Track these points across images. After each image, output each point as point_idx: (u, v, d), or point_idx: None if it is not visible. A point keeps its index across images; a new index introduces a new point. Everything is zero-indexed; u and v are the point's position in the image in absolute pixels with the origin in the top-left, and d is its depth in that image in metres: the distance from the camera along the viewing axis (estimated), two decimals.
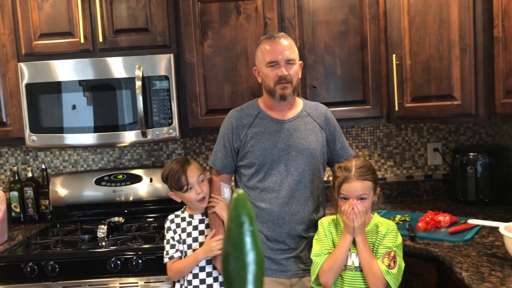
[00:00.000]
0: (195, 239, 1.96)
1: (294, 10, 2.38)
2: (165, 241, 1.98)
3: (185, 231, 1.98)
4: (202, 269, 1.94)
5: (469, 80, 2.08)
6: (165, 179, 1.96)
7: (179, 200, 1.98)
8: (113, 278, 2.12)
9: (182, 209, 2.04)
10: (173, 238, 1.96)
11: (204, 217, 2.00)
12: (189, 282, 1.94)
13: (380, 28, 2.38)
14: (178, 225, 1.99)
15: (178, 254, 1.95)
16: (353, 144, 2.79)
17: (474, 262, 1.66)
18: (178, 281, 1.98)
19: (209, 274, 1.95)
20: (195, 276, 1.94)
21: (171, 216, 2.03)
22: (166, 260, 1.95)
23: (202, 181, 1.95)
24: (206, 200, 1.95)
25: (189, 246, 1.96)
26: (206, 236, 1.95)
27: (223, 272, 0.51)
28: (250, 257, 0.49)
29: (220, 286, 1.95)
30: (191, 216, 1.99)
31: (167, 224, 2.00)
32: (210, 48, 2.40)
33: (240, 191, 0.52)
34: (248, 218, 0.50)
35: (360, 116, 2.43)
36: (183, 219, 2.00)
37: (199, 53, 2.40)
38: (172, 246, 1.95)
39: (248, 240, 0.49)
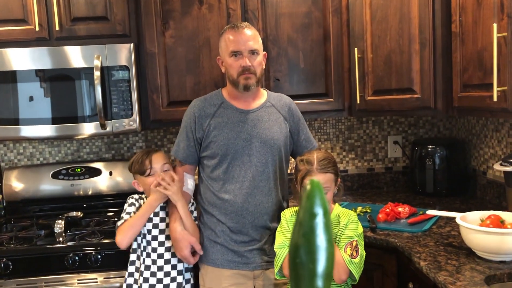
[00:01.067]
0: (155, 225, 1.96)
1: (257, 2, 2.36)
2: (124, 213, 1.96)
3: (151, 222, 1.96)
4: (167, 261, 1.93)
5: (428, 74, 2.12)
6: (130, 166, 1.99)
7: (141, 189, 1.99)
8: (71, 274, 2.06)
9: (144, 196, 2.02)
10: (135, 212, 1.96)
11: (165, 205, 1.99)
12: (153, 274, 1.91)
13: (342, 21, 2.40)
14: (139, 207, 1.98)
15: None
16: (316, 136, 2.81)
17: (432, 252, 1.70)
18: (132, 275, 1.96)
19: (166, 274, 1.94)
20: (160, 268, 1.92)
21: (136, 196, 2.03)
22: (119, 223, 1.92)
23: (166, 170, 1.95)
24: (167, 182, 1.91)
25: (149, 231, 1.95)
26: (166, 223, 1.96)
27: (290, 263, 0.48)
28: (322, 250, 0.47)
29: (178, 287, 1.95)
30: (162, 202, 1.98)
31: (132, 200, 2.00)
32: (172, 38, 2.35)
33: (315, 180, 0.49)
34: (322, 209, 0.47)
35: (323, 109, 2.45)
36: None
37: (161, 43, 2.35)
38: (129, 214, 1.95)
39: (320, 232, 0.47)
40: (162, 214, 1.98)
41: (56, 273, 2.05)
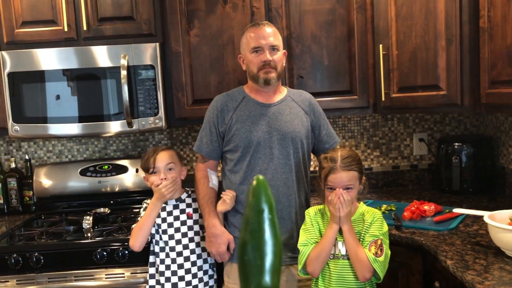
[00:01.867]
0: (170, 225, 2.00)
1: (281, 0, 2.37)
2: (139, 217, 2.02)
3: (160, 216, 2.01)
4: (179, 254, 1.96)
5: (455, 71, 2.09)
6: (141, 160, 2.06)
7: (149, 184, 2.03)
8: (99, 269, 2.10)
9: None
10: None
11: (178, 203, 2.04)
12: (168, 267, 1.95)
13: (367, 18, 2.38)
14: None
15: None
16: (340, 134, 2.79)
17: (459, 251, 1.68)
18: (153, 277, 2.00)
19: (186, 259, 1.97)
20: (173, 261, 1.96)
21: (148, 200, 2.07)
22: (133, 226, 2.00)
23: (171, 169, 1.99)
24: (164, 185, 1.94)
25: (165, 231, 1.99)
26: (180, 221, 2.00)
27: (238, 261, 0.48)
28: (269, 246, 0.47)
29: (199, 282, 1.97)
30: (165, 202, 2.02)
31: (145, 205, 2.05)
32: (196, 37, 2.38)
33: (260, 176, 0.49)
34: (267, 205, 0.47)
35: (347, 106, 2.43)
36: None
37: (185, 42, 2.38)
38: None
39: (267, 228, 0.47)
40: (175, 212, 2.03)
41: (84, 267, 2.10)
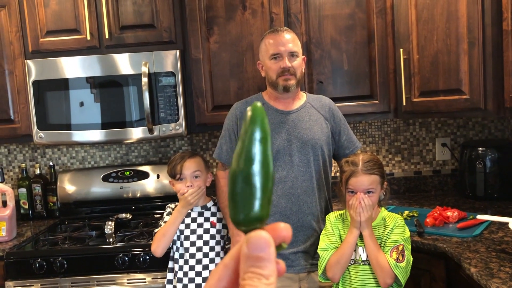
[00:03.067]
0: (193, 231, 2.00)
1: (300, 5, 2.37)
2: (162, 222, 2.03)
3: (183, 222, 2.01)
4: (198, 261, 1.97)
5: (478, 74, 2.05)
6: (168, 165, 2.05)
7: (175, 190, 2.04)
8: (121, 274, 2.12)
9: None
10: None
11: (203, 210, 2.04)
12: (185, 274, 1.96)
13: (387, 22, 2.36)
14: None
15: None
16: (361, 139, 2.77)
17: (483, 258, 1.65)
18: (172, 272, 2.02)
19: (205, 267, 1.98)
20: (192, 268, 1.96)
21: (172, 205, 2.09)
22: (155, 231, 2.00)
23: (197, 177, 1.98)
24: (190, 193, 1.94)
25: (187, 238, 2.00)
26: (204, 229, 2.01)
27: (229, 192, 0.45)
28: (261, 177, 0.44)
29: None
30: (190, 209, 2.03)
31: (169, 209, 2.07)
32: (216, 44, 2.39)
33: (258, 103, 0.47)
34: (263, 135, 0.45)
35: (368, 111, 2.42)
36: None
37: (205, 49, 2.40)
38: (165, 223, 2.01)
39: (261, 158, 0.44)
40: (199, 219, 2.03)
41: (107, 272, 2.13)
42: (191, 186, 1.95)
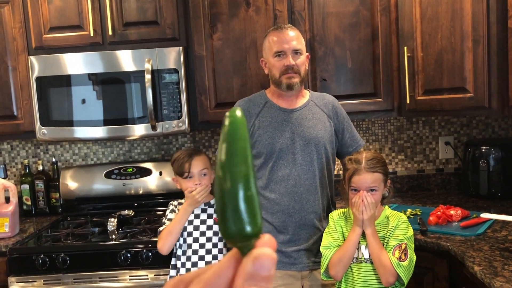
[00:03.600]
0: (196, 228, 2.00)
1: (304, 2, 2.36)
2: (165, 219, 2.02)
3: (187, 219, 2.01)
4: (201, 258, 1.98)
5: (482, 73, 2.05)
6: (172, 162, 2.03)
7: (179, 187, 2.03)
8: (123, 270, 2.13)
9: (185, 198, 2.07)
10: None
11: (207, 207, 2.04)
12: (188, 270, 1.96)
13: (391, 19, 2.35)
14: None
15: None
16: (364, 137, 2.77)
17: (487, 257, 1.64)
18: (176, 266, 2.02)
19: (208, 264, 1.98)
20: (194, 264, 1.97)
21: (175, 202, 2.08)
22: (161, 228, 1.99)
23: (205, 175, 1.98)
24: (198, 191, 1.95)
25: (190, 234, 2.00)
26: (207, 225, 2.00)
27: (219, 212, 0.43)
28: (246, 189, 0.42)
29: None
30: (197, 207, 2.02)
31: (172, 207, 2.06)
32: (219, 41, 2.39)
33: (238, 112, 0.44)
34: (241, 148, 0.43)
35: (371, 109, 2.41)
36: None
37: (209, 46, 2.39)
38: (169, 220, 2.01)
39: (243, 173, 0.42)
40: (203, 216, 2.03)
41: (109, 269, 2.13)
42: (199, 184, 1.95)
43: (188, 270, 1.97)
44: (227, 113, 0.44)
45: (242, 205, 0.42)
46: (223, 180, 0.42)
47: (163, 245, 1.95)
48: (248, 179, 0.43)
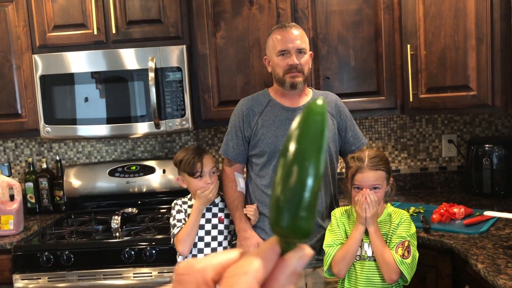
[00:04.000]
0: (201, 227, 2.00)
1: (307, 0, 2.36)
2: (175, 220, 2.00)
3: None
4: (207, 244, 1.98)
5: (486, 70, 2.04)
6: (178, 162, 2.00)
7: (185, 186, 2.03)
8: (127, 268, 2.13)
9: (189, 197, 2.07)
10: (185, 219, 2.00)
11: (211, 206, 2.04)
12: (194, 256, 1.98)
13: (394, 18, 2.35)
14: (186, 212, 2.03)
15: None
16: (367, 135, 2.77)
17: (490, 254, 1.64)
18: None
19: (214, 250, 1.99)
20: (200, 251, 1.98)
21: (179, 201, 2.07)
22: (176, 231, 1.96)
23: (213, 173, 1.99)
24: (210, 190, 1.95)
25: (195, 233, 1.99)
26: (212, 224, 2.01)
27: (275, 200, 0.41)
28: (312, 188, 0.40)
29: None
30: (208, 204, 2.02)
31: (178, 207, 2.05)
32: (222, 39, 2.39)
33: (319, 102, 0.41)
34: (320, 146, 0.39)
35: (374, 107, 2.41)
36: (190, 207, 2.03)
37: (212, 44, 2.40)
38: (179, 221, 2.00)
39: (312, 172, 0.39)
40: (208, 215, 2.03)
41: (113, 266, 2.14)
42: (211, 183, 1.96)
43: None
44: (311, 104, 0.41)
45: (306, 201, 0.39)
46: (292, 170, 0.40)
47: (184, 247, 1.93)
48: (318, 175, 0.40)
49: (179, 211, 2.03)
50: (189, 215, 2.00)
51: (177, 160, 2.02)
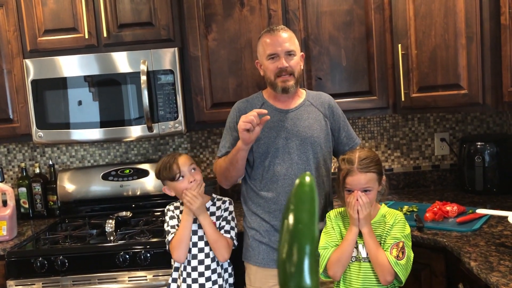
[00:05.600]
0: (194, 232, 1.98)
1: (298, 1, 2.37)
2: (168, 227, 1.98)
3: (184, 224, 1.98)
4: (201, 262, 1.96)
5: (476, 69, 2.06)
6: (157, 173, 1.98)
7: (172, 194, 1.99)
8: (122, 272, 2.13)
9: (181, 202, 2.04)
10: (177, 225, 1.98)
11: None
12: (189, 274, 1.95)
13: (385, 17, 2.37)
14: (178, 217, 2.01)
15: None
16: (360, 135, 2.78)
17: (483, 252, 1.65)
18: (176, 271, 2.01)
19: (207, 267, 1.96)
20: (194, 269, 1.95)
21: (171, 207, 2.04)
22: (170, 238, 1.94)
23: (194, 169, 1.96)
24: (190, 197, 1.91)
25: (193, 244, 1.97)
26: (198, 236, 1.98)
27: (281, 267, 0.47)
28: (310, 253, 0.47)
29: (218, 277, 1.97)
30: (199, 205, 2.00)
31: (170, 213, 2.02)
32: (214, 41, 2.39)
33: (308, 178, 0.47)
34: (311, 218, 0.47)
35: (366, 107, 2.42)
36: (182, 212, 2.01)
37: (204, 47, 2.40)
38: (172, 227, 1.98)
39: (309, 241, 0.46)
40: (194, 226, 2.00)
41: (108, 270, 2.13)
42: (194, 180, 1.93)
43: (188, 274, 1.94)
44: (298, 179, 0.48)
45: (306, 262, 0.45)
46: (292, 236, 0.46)
47: (179, 255, 1.92)
48: (314, 239, 0.45)
49: (172, 217, 2.01)
50: (179, 222, 1.98)
51: (156, 172, 1.99)
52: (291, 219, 0.45)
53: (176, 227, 1.97)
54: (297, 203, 0.46)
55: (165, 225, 2.01)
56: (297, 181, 0.46)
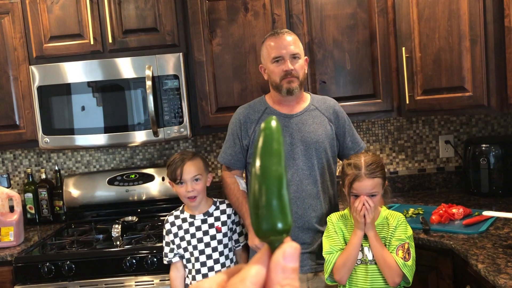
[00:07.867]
0: (200, 240, 1.97)
1: (302, 6, 2.38)
2: (164, 242, 2.02)
3: (189, 232, 1.99)
4: (210, 269, 1.96)
5: (480, 71, 2.06)
6: (167, 166, 2.00)
7: (175, 191, 2.02)
8: (129, 276, 2.14)
9: (181, 209, 2.05)
10: (173, 241, 2.00)
11: (206, 217, 2.01)
12: (198, 271, 1.97)
13: (388, 21, 2.37)
14: (180, 227, 2.00)
15: (177, 258, 2.01)
16: (364, 138, 2.78)
17: (490, 254, 1.65)
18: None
19: (216, 261, 1.98)
20: (205, 276, 1.96)
21: (170, 218, 2.04)
22: (166, 262, 2.01)
23: (197, 180, 1.95)
24: (196, 200, 1.95)
25: (195, 247, 1.98)
26: (210, 236, 1.98)
27: (252, 208, 0.46)
28: (280, 188, 0.46)
29: None
30: (192, 217, 2.01)
31: (167, 226, 2.03)
32: (218, 46, 2.41)
33: (273, 122, 0.48)
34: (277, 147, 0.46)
35: (371, 110, 2.42)
36: (184, 220, 2.01)
37: (208, 51, 2.41)
38: (171, 250, 2.00)
39: (277, 172, 0.46)
40: (204, 227, 2.01)
41: (115, 275, 2.14)
42: (193, 191, 1.93)
43: (193, 277, 1.97)
44: (263, 123, 0.48)
45: (275, 203, 0.45)
46: (259, 179, 0.45)
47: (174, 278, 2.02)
48: (281, 179, 0.46)
49: (168, 232, 2.02)
50: (180, 232, 1.99)
51: (167, 164, 2.00)
52: (257, 163, 0.46)
53: (171, 244, 2.00)
54: (262, 147, 0.46)
55: (163, 238, 2.05)
56: (262, 125, 0.47)
